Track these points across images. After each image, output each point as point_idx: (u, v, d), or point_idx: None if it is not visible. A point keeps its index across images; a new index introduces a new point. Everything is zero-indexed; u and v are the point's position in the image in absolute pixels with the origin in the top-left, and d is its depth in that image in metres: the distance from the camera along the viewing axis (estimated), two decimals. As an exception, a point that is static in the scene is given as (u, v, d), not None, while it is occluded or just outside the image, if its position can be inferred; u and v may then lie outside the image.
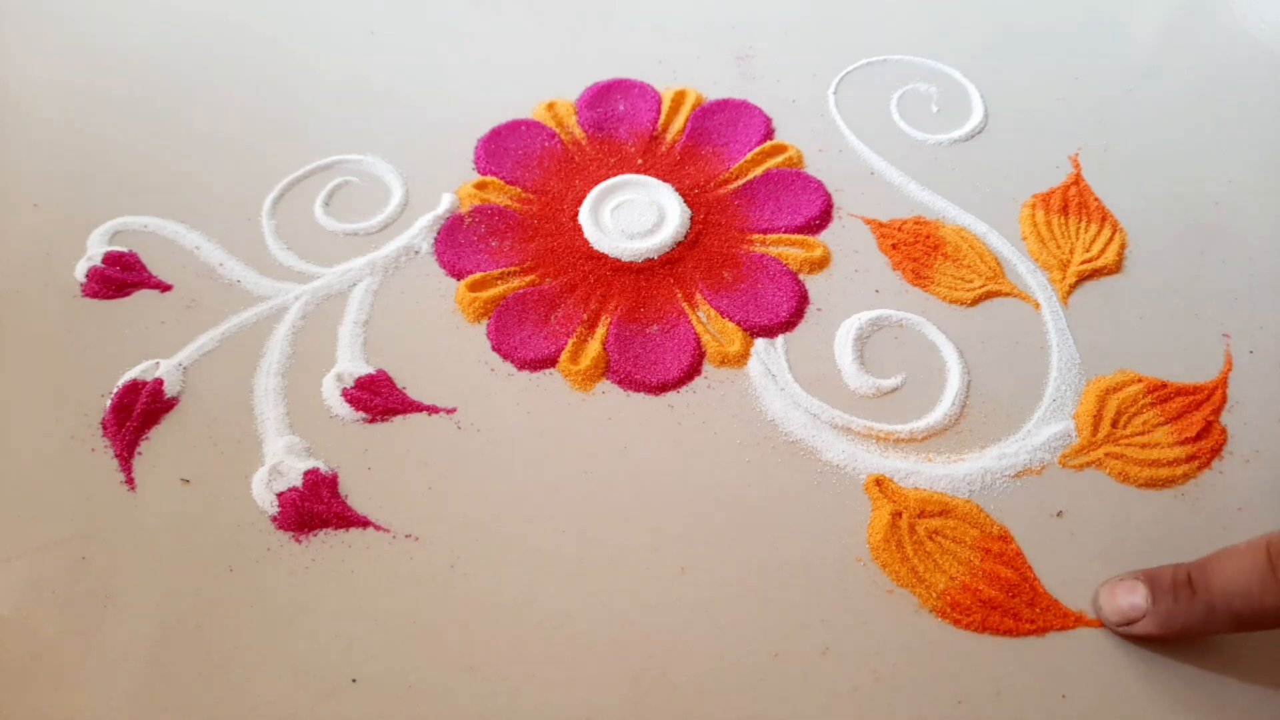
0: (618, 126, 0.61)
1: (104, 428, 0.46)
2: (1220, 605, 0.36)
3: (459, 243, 0.55)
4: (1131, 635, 0.39)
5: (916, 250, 0.54)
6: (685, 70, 0.65)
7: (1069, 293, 0.52)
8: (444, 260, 0.54)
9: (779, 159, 0.59)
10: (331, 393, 0.48)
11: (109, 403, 0.47)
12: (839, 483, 0.45)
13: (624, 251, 0.54)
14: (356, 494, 0.44)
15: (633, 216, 0.55)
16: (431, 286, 0.53)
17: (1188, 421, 0.47)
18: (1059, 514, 0.44)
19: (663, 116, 0.62)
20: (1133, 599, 0.39)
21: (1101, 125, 0.61)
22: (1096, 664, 0.39)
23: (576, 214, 0.56)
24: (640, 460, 0.46)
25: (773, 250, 0.54)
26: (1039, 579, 0.42)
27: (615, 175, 0.58)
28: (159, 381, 0.48)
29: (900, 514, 0.44)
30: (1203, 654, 0.40)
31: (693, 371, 0.49)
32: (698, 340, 0.50)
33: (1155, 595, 0.38)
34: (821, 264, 0.54)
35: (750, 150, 0.59)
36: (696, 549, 0.43)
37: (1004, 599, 0.41)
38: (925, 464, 0.46)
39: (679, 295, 0.52)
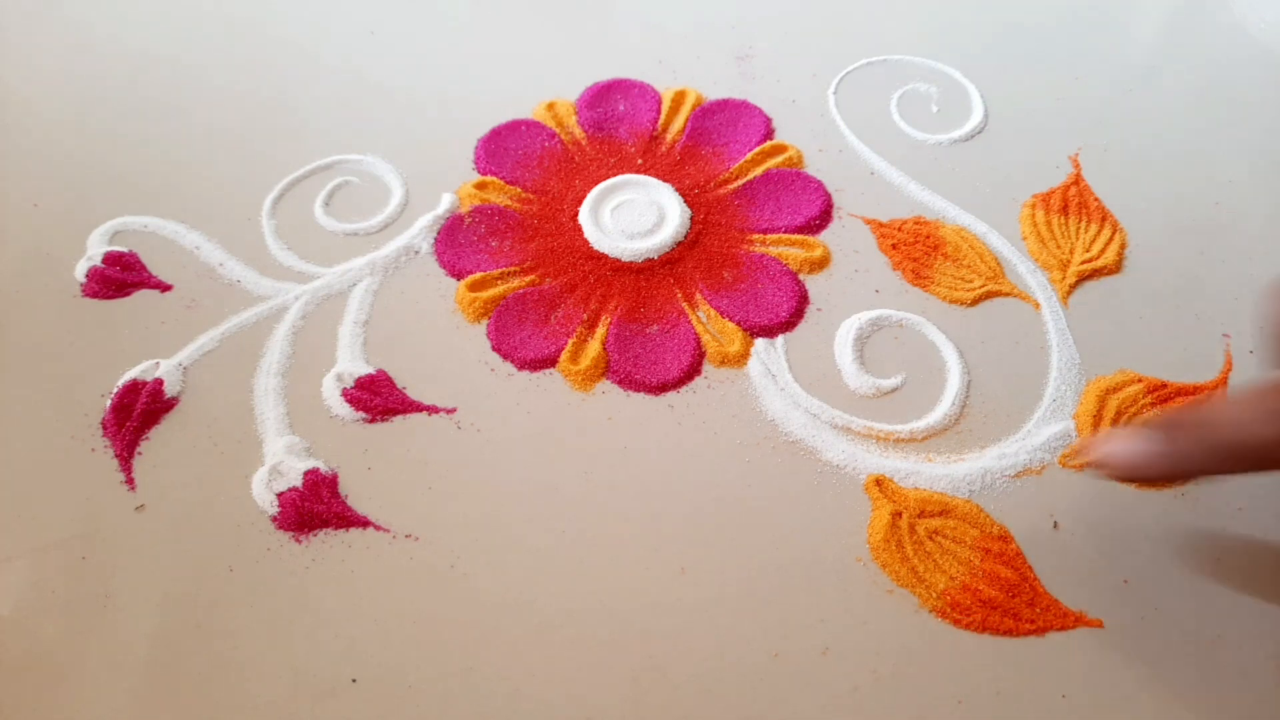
0: (618, 126, 0.61)
1: (104, 428, 0.46)
2: (1228, 437, 0.34)
3: (459, 243, 0.55)
4: (1135, 478, 0.42)
5: (916, 250, 0.54)
6: (685, 70, 0.65)
7: (1069, 293, 0.52)
8: (444, 260, 0.54)
9: (779, 159, 0.59)
10: (331, 393, 0.48)
11: (109, 403, 0.47)
12: (839, 483, 0.45)
13: (624, 251, 0.54)
14: (356, 494, 0.44)
15: (633, 216, 0.55)
16: (431, 286, 0.53)
17: (1188, 421, 0.47)
18: (1055, 525, 0.44)
19: (663, 116, 0.62)
20: (1142, 444, 0.37)
21: (1101, 125, 0.61)
22: (1096, 664, 0.39)
23: (576, 214, 0.56)
24: (640, 460, 0.46)
25: (773, 250, 0.54)
26: (1039, 579, 0.42)
27: (615, 175, 0.58)
28: (159, 381, 0.48)
29: (900, 514, 0.44)
30: (1203, 654, 0.40)
31: (693, 371, 0.49)
32: (698, 340, 0.50)
33: (1167, 436, 0.36)
34: (821, 264, 0.54)
35: (750, 150, 0.59)
36: (696, 549, 0.43)
37: (1004, 599, 0.41)
38: (925, 464, 0.46)
39: (679, 295, 0.52)
